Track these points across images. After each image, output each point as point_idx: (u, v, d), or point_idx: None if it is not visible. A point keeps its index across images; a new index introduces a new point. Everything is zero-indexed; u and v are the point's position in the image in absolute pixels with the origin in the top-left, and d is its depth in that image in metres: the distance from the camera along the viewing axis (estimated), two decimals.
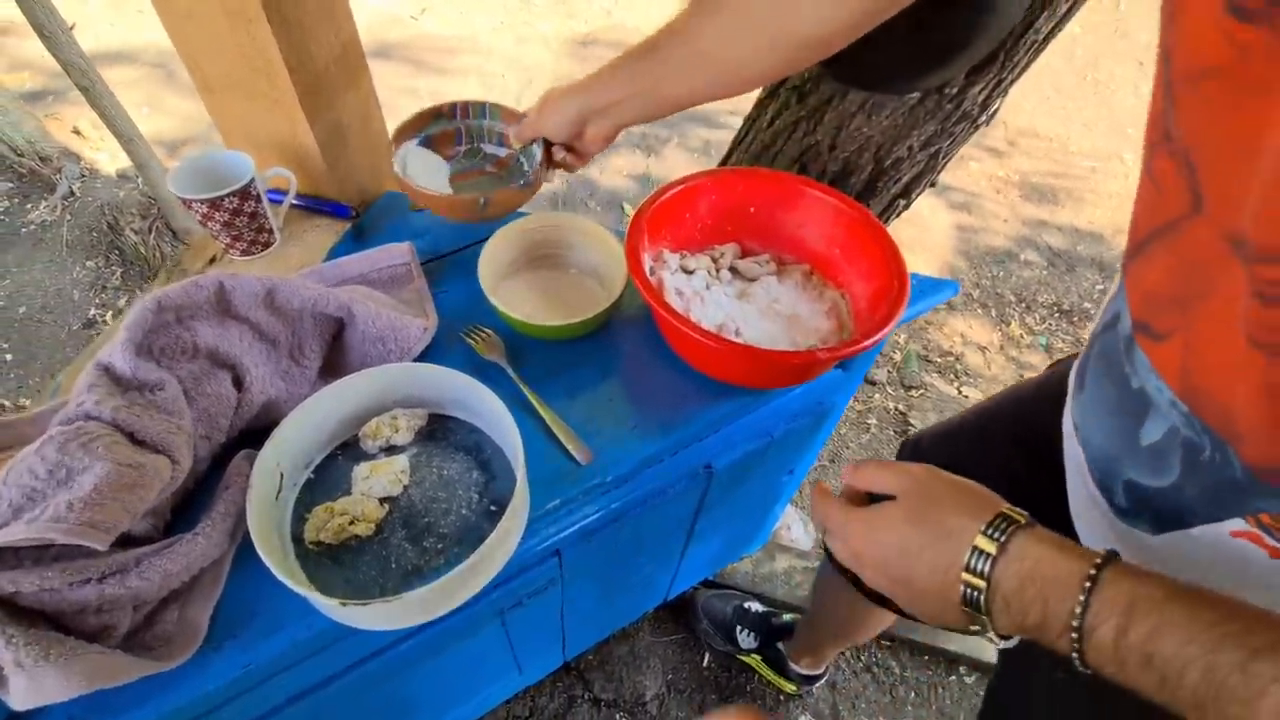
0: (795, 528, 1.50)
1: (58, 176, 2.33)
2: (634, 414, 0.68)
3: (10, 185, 2.30)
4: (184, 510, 0.55)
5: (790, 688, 1.26)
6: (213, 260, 0.73)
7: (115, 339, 0.52)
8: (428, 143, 0.79)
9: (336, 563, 0.54)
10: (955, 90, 0.75)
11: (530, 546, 0.62)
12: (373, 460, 0.58)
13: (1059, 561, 0.33)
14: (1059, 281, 2.24)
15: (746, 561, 1.41)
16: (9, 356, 1.92)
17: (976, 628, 0.36)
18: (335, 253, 0.76)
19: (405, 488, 0.57)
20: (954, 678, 1.36)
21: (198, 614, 0.50)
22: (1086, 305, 2.19)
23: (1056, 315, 2.16)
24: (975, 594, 0.35)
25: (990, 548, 0.34)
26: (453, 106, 0.79)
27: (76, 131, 2.55)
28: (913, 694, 1.33)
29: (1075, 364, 0.52)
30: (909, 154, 0.84)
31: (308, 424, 0.57)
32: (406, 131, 0.75)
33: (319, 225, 0.78)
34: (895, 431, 1.77)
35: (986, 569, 0.34)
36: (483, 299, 0.68)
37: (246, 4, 0.59)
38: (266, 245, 0.73)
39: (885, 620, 0.93)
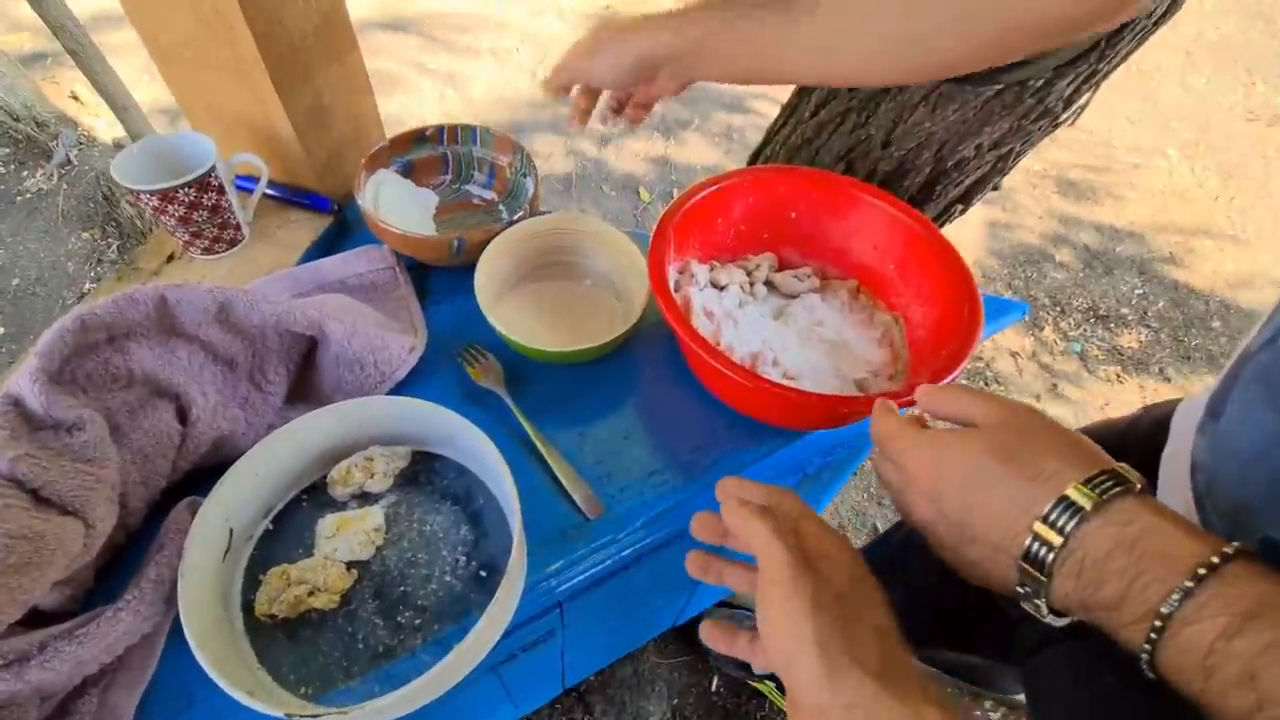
0: None
1: (54, 143, 2.24)
2: (653, 455, 0.58)
3: (6, 151, 2.21)
4: (113, 571, 0.46)
5: None
6: (171, 258, 0.63)
7: (25, 366, 0.42)
8: (408, 169, 0.69)
9: (292, 638, 0.45)
10: (1040, 83, 0.64)
11: (526, 603, 0.53)
12: (341, 512, 0.49)
13: (1174, 537, 0.27)
14: (1095, 284, 2.12)
15: None
16: (1, 330, 1.85)
17: (1025, 591, 0.30)
18: (312, 253, 0.66)
19: (378, 549, 0.48)
20: (978, 713, 1.27)
21: (121, 701, 0.41)
22: (1124, 311, 2.07)
23: (1092, 320, 2.04)
24: (1045, 550, 0.29)
25: (1085, 502, 0.28)
26: (439, 129, 0.69)
27: (74, 97, 2.45)
28: None
29: (1210, 393, 0.41)
30: (976, 153, 0.73)
31: (264, 471, 0.48)
32: (381, 156, 0.66)
33: (295, 220, 0.68)
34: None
35: (1070, 525, 0.28)
36: (479, 314, 0.58)
37: None
38: (232, 243, 0.64)
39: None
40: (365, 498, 0.51)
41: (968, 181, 0.77)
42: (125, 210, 2.03)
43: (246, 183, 0.67)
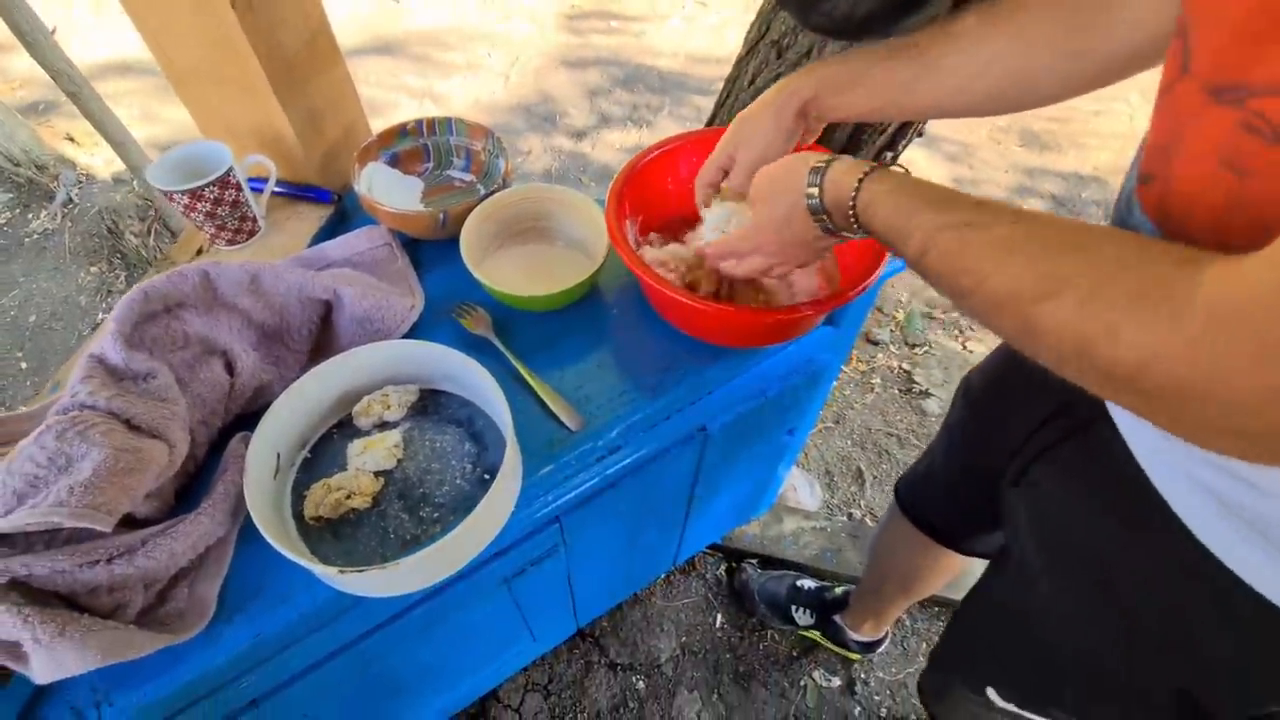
0: (801, 489, 1.51)
1: (55, 184, 2.35)
2: (624, 379, 0.69)
3: (10, 196, 2.32)
4: (186, 493, 0.57)
5: (855, 657, 1.28)
6: (199, 252, 0.74)
7: (105, 331, 0.53)
8: (394, 160, 0.80)
9: (337, 536, 0.55)
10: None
11: (528, 514, 0.63)
12: (366, 436, 0.60)
13: (845, 172, 0.46)
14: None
15: (754, 524, 1.42)
16: (24, 364, 1.96)
17: (824, 226, 0.49)
18: (318, 238, 0.77)
19: (399, 461, 0.58)
20: (934, 589, 1.37)
21: (206, 590, 0.52)
22: None
23: None
24: (815, 201, 0.48)
25: (818, 166, 0.48)
26: (418, 123, 0.80)
27: (70, 139, 2.56)
28: (924, 645, 1.35)
29: None
30: None
31: (299, 406, 0.58)
32: (371, 150, 0.76)
33: (301, 212, 0.78)
34: (900, 390, 1.77)
35: (819, 181, 0.48)
36: (468, 278, 0.68)
37: None
38: (251, 234, 0.74)
39: (952, 568, 0.92)
40: (385, 426, 0.62)
41: (890, 129, 0.87)
42: (130, 241, 2.13)
43: (258, 184, 0.77)
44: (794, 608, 1.29)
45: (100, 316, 2.05)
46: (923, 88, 0.54)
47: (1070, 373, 0.33)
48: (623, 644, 1.34)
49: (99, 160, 2.46)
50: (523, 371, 0.66)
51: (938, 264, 0.39)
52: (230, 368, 0.59)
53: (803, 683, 1.31)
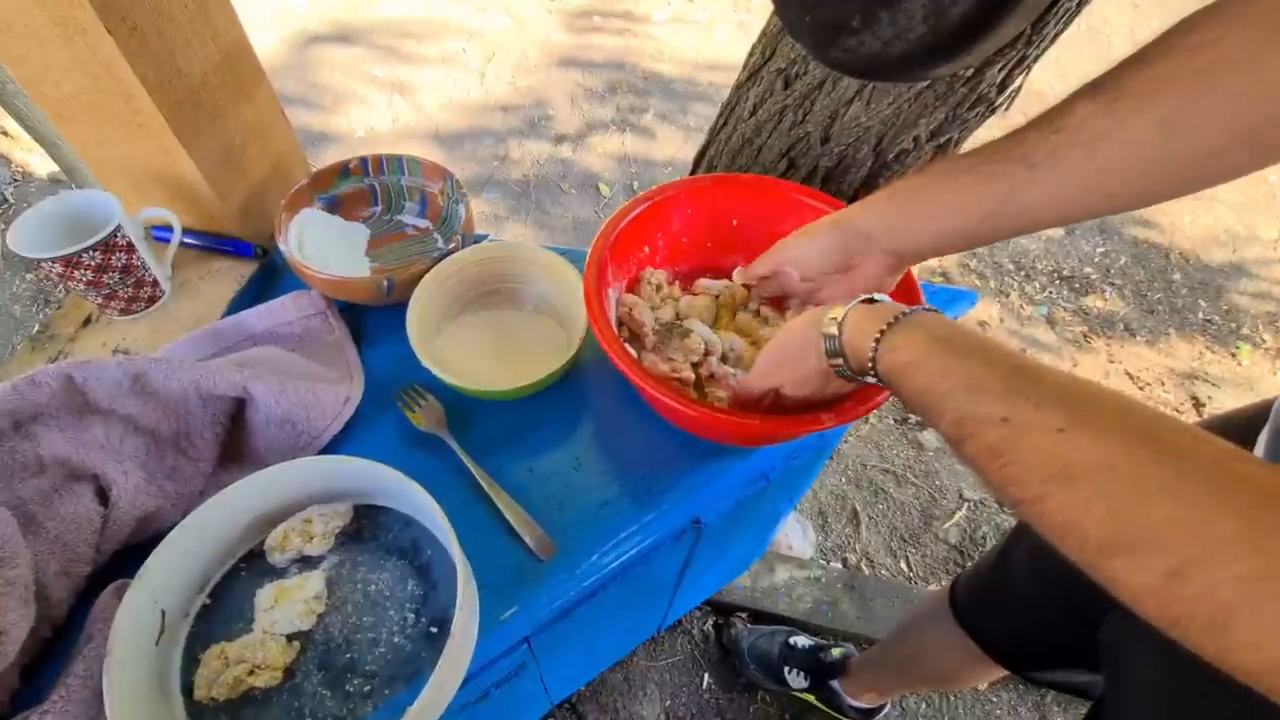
0: (794, 535, 1.42)
1: None
2: (606, 483, 0.57)
3: None
4: (41, 667, 0.44)
5: None
6: (88, 320, 0.61)
7: None
8: (334, 204, 0.67)
9: (236, 719, 0.43)
10: (970, 73, 0.63)
11: (489, 645, 0.52)
12: (280, 580, 0.47)
13: (868, 318, 0.41)
14: (1058, 246, 2.13)
15: (744, 575, 1.32)
16: None
17: (839, 372, 0.44)
18: (239, 303, 0.64)
19: (320, 616, 0.46)
20: (964, 688, 1.29)
21: None
22: (1088, 270, 2.09)
23: (1057, 282, 2.06)
24: (833, 342, 0.43)
25: (838, 314, 0.43)
26: (362, 161, 0.67)
27: (3, 132, 2.36)
28: (924, 704, 1.26)
29: None
30: (915, 145, 0.72)
31: (194, 544, 0.46)
32: (303, 196, 0.64)
33: (218, 269, 0.65)
34: (895, 420, 1.68)
35: (837, 329, 0.43)
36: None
37: (76, 12, 0.46)
38: (151, 300, 0.61)
39: (994, 674, 0.83)
40: (306, 561, 0.49)
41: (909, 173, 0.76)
42: None
43: (164, 232, 0.64)
44: (787, 669, 1.20)
45: (35, 329, 1.88)
46: (1035, 194, 0.43)
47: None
48: (602, 709, 1.24)
49: (36, 159, 2.27)
50: (482, 482, 0.54)
51: (977, 459, 0.31)
52: (103, 495, 0.46)
53: None
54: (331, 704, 0.44)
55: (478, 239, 0.68)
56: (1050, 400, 0.28)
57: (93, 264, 0.54)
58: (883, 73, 0.57)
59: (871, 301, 0.43)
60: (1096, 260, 2.11)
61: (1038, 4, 0.48)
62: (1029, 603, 0.70)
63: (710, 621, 1.32)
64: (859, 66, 0.56)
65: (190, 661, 0.45)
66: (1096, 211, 0.44)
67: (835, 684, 1.15)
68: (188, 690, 0.44)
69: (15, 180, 2.21)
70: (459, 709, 0.64)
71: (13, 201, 2.15)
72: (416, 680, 0.45)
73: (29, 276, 1.99)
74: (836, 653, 1.16)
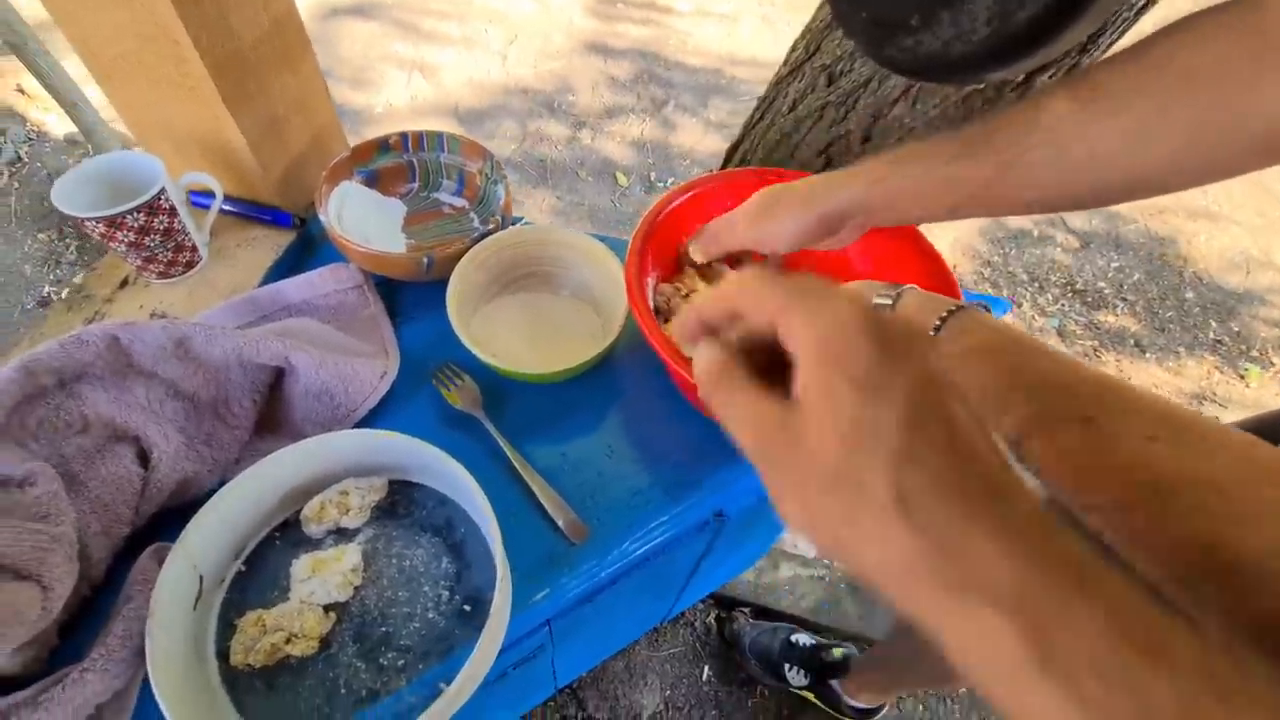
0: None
1: (2, 139, 2.15)
2: (638, 473, 0.57)
3: None
4: (79, 626, 0.44)
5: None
6: (125, 283, 0.60)
7: None
8: (373, 178, 0.66)
9: (271, 688, 0.43)
10: (1021, 78, 0.63)
11: (513, 629, 0.52)
12: (316, 551, 0.48)
13: (929, 302, 0.40)
14: (1072, 259, 2.13)
15: (749, 570, 1.33)
16: None
17: None
18: (275, 272, 0.64)
19: (357, 589, 0.47)
20: (962, 689, 1.30)
21: None
22: (1101, 285, 2.09)
23: (1070, 295, 2.06)
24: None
25: (887, 296, 0.43)
26: (402, 137, 0.67)
27: (20, 90, 2.34)
28: (920, 707, 1.27)
29: None
30: None
31: (233, 511, 0.46)
32: (343, 168, 0.63)
33: (256, 237, 0.65)
34: None
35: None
36: (455, 333, 0.56)
37: None
38: (189, 265, 0.61)
39: None
40: (341, 533, 0.49)
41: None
42: None
43: (203, 199, 0.64)
44: (787, 666, 1.20)
45: (47, 289, 1.88)
46: (1006, 188, 0.43)
47: None
48: (603, 696, 1.24)
49: (52, 118, 2.25)
50: (516, 464, 0.54)
51: (1045, 460, 0.30)
52: (144, 457, 0.46)
53: None
54: (366, 675, 0.44)
55: (514, 221, 0.68)
56: (1139, 408, 0.28)
57: (135, 225, 0.54)
58: (938, 74, 0.56)
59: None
60: (1110, 275, 2.10)
61: (1106, 9, 0.47)
62: None
63: (713, 615, 1.33)
64: (914, 66, 0.56)
65: (225, 627, 0.45)
66: (1064, 207, 0.44)
67: (835, 683, 1.16)
68: (222, 655, 0.44)
69: (30, 139, 2.20)
70: (479, 686, 0.64)
71: (26, 160, 2.14)
72: (450, 656, 0.46)
73: (41, 237, 1.99)
74: (838, 653, 1.17)
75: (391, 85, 2.32)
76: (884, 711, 1.18)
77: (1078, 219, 2.22)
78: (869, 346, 0.20)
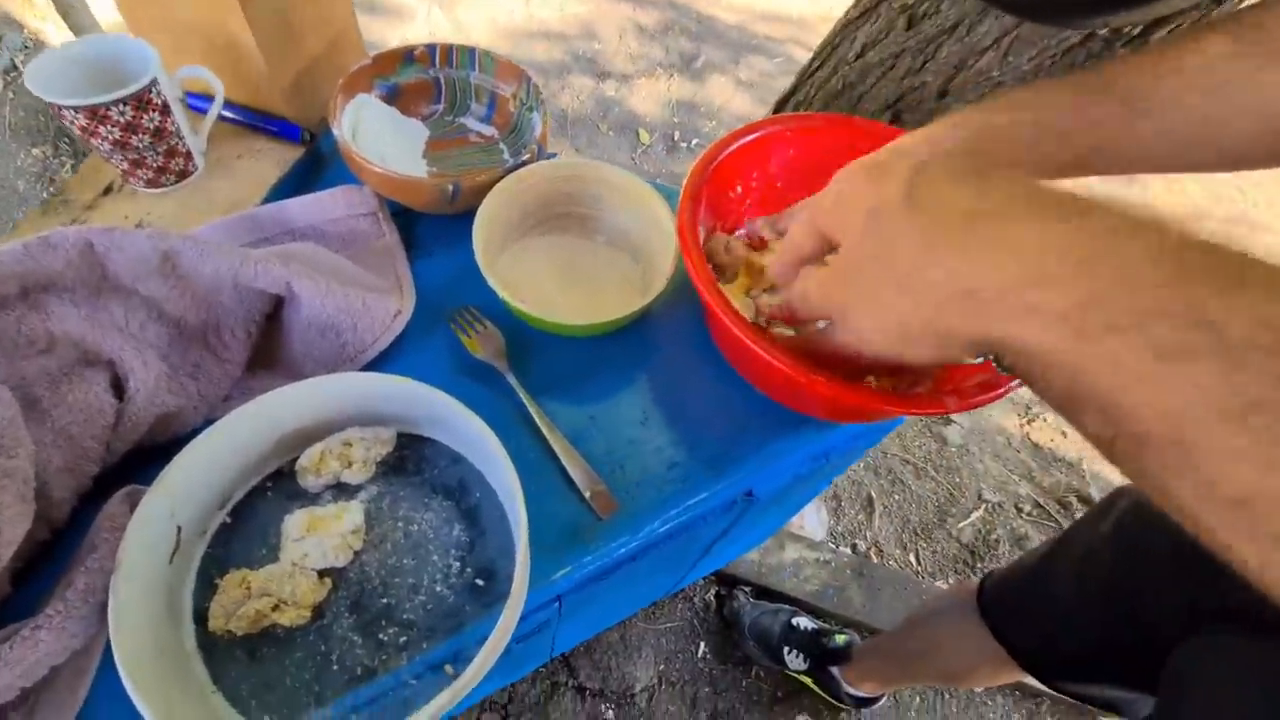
0: (808, 515, 1.38)
1: None
2: (673, 444, 0.51)
3: None
4: (35, 574, 0.39)
5: (845, 708, 1.16)
6: (109, 190, 0.53)
7: None
8: (393, 94, 0.59)
9: (254, 656, 0.38)
10: (1137, 30, 0.55)
11: (527, 603, 0.47)
12: (312, 507, 0.42)
13: None
14: None
15: (754, 551, 1.29)
16: None
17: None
18: (280, 191, 0.56)
19: (357, 554, 0.41)
20: (976, 688, 1.27)
21: None
22: None
23: None
24: None
25: None
26: (429, 49, 0.59)
27: None
28: (918, 699, 1.25)
29: None
30: None
31: (219, 455, 0.40)
32: (362, 78, 0.56)
33: (260, 150, 0.58)
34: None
35: None
36: (477, 273, 0.49)
37: None
38: (182, 174, 0.54)
39: (1004, 677, 0.80)
40: (341, 488, 0.44)
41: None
42: None
43: (202, 102, 0.56)
44: (787, 649, 1.17)
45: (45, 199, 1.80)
46: (1134, 140, 0.36)
47: None
48: (595, 667, 1.21)
49: (50, 27, 2.13)
50: (541, 425, 0.48)
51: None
52: (118, 386, 0.40)
53: None
54: (362, 652, 0.39)
55: (548, 158, 0.61)
56: None
57: (121, 121, 0.47)
58: (1051, 12, 0.49)
59: None
60: None
61: None
62: (1071, 615, 0.67)
63: (713, 591, 1.29)
64: (1026, 2, 0.49)
65: (205, 585, 0.40)
66: (1192, 166, 0.38)
67: (835, 670, 1.13)
68: (199, 618, 0.39)
69: (26, 47, 2.09)
70: None
71: (22, 70, 2.03)
72: (456, 635, 0.40)
73: (35, 152, 1.89)
74: (840, 639, 1.14)
75: (409, 20, 2.19)
76: (881, 700, 1.15)
77: None
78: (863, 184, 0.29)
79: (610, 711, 1.18)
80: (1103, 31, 0.56)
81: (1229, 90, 0.34)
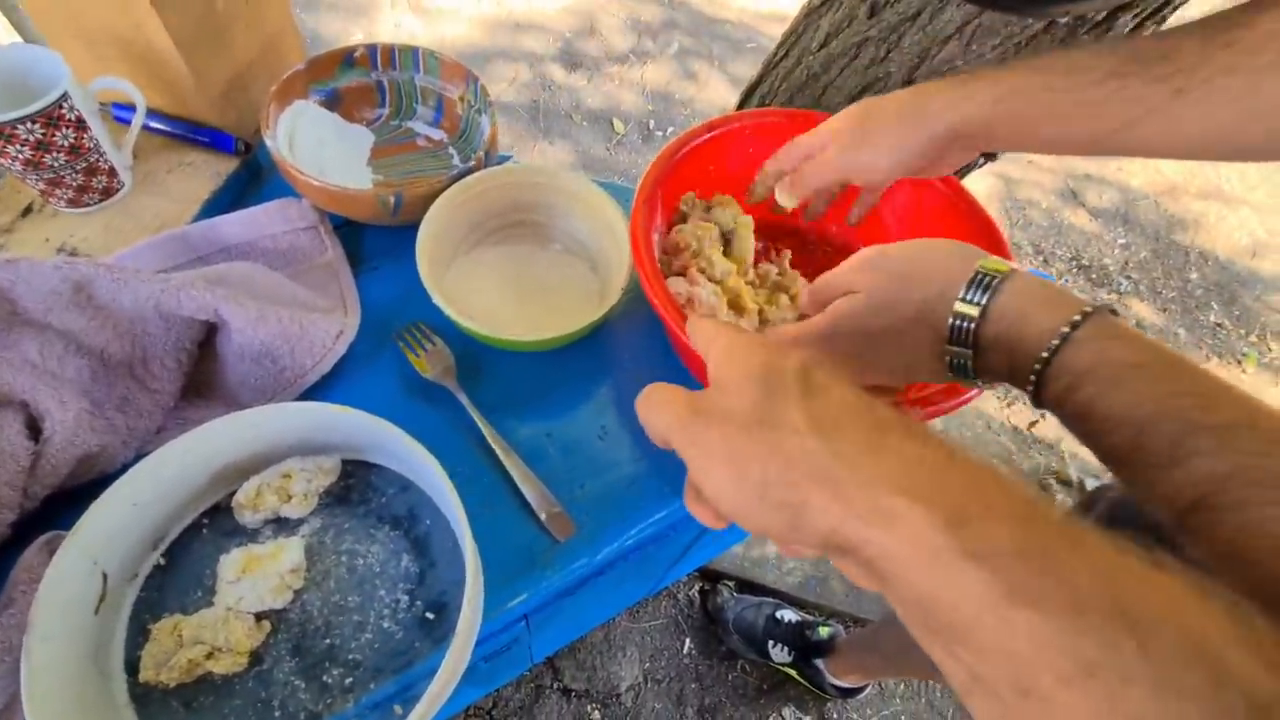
0: None
1: None
2: (634, 459, 0.50)
3: None
4: None
5: (830, 697, 1.16)
6: (28, 210, 0.50)
7: None
8: (333, 100, 0.56)
9: (189, 706, 0.36)
10: (1101, 17, 0.53)
11: (485, 629, 0.46)
12: (249, 546, 0.40)
13: (1051, 296, 0.32)
14: (1079, 235, 2.06)
15: (737, 545, 1.28)
16: None
17: (956, 364, 0.34)
18: (215, 206, 0.54)
19: (296, 593, 0.39)
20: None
21: None
22: (1107, 261, 2.03)
23: (1075, 270, 2.00)
24: (966, 324, 0.32)
25: (988, 274, 0.32)
26: (370, 50, 0.56)
27: None
28: (902, 686, 1.25)
29: None
30: None
31: (144, 497, 0.38)
32: (297, 84, 0.53)
33: (191, 163, 0.55)
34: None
35: (983, 299, 0.32)
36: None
37: None
38: (107, 192, 0.51)
39: None
40: (282, 523, 0.42)
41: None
42: None
43: (127, 114, 0.53)
44: (771, 643, 1.17)
45: None
46: (1176, 118, 0.34)
47: None
48: (580, 667, 1.21)
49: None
50: (495, 446, 0.46)
51: (1233, 538, 0.24)
52: (34, 427, 0.38)
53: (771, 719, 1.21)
54: (305, 696, 0.37)
55: (500, 159, 0.59)
56: None
57: (31, 139, 0.44)
58: (1012, 2, 0.47)
59: (998, 276, 0.33)
60: (1116, 252, 2.04)
61: None
62: None
63: (696, 587, 1.29)
64: None
65: (137, 632, 0.38)
66: (1224, 156, 0.36)
67: (819, 662, 1.13)
68: (132, 667, 0.37)
69: None
70: None
71: None
72: (406, 673, 0.39)
73: None
74: (824, 631, 1.14)
75: (372, 12, 2.13)
76: (866, 690, 1.16)
77: (1091, 195, 2.15)
78: (762, 350, 0.25)
79: (596, 712, 1.18)
80: (1064, 20, 0.54)
81: (1273, 72, 0.31)
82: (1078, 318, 0.29)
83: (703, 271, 0.50)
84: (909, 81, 0.64)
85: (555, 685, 1.18)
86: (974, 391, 0.43)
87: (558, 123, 2.00)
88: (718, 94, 2.11)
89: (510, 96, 2.00)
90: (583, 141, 1.97)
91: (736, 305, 0.50)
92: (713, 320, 0.29)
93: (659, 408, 0.26)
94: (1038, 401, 0.32)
